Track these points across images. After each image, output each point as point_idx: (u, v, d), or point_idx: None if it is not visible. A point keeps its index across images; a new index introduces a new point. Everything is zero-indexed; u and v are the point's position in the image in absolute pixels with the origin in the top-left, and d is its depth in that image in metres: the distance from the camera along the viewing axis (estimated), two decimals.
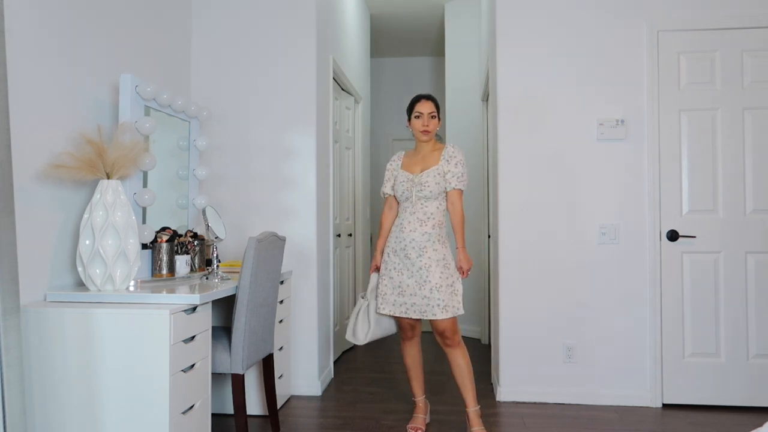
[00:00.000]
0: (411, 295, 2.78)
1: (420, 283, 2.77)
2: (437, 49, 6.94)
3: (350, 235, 4.90)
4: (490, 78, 3.91)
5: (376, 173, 6.91)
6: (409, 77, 7.27)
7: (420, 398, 3.01)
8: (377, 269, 2.95)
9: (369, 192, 5.67)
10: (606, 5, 3.41)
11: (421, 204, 2.82)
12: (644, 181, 3.36)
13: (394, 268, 2.84)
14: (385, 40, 6.63)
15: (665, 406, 3.32)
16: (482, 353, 4.62)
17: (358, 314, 2.96)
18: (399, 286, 2.82)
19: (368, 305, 2.94)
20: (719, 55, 3.31)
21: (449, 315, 2.73)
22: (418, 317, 2.80)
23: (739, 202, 3.29)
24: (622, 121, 3.36)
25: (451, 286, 2.77)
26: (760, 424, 2.74)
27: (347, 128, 4.87)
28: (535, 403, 3.38)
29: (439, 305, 2.72)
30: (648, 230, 3.34)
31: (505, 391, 3.41)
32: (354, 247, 5.05)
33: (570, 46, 3.42)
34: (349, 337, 2.96)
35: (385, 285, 2.86)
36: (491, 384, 3.76)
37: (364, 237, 5.30)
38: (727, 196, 3.29)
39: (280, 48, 3.56)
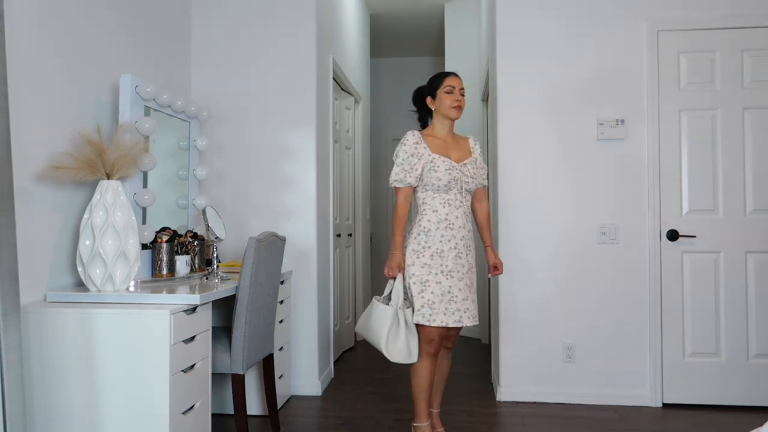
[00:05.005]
0: (464, 300, 2.54)
1: (469, 286, 2.57)
2: (437, 49, 6.93)
3: (350, 235, 4.90)
4: (490, 78, 3.91)
5: (376, 173, 6.91)
6: (409, 77, 7.26)
7: (427, 423, 2.63)
8: (399, 270, 2.56)
9: (369, 192, 5.68)
10: (606, 5, 3.40)
11: (464, 197, 2.59)
12: (644, 181, 3.36)
13: (441, 272, 2.51)
14: (385, 40, 6.63)
15: (665, 406, 3.32)
16: (482, 353, 4.62)
17: (400, 326, 2.51)
18: (449, 292, 2.51)
19: (404, 313, 2.52)
20: (719, 55, 3.31)
21: None
22: (471, 324, 2.55)
23: (739, 202, 3.29)
24: (622, 121, 3.36)
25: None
26: (760, 424, 2.74)
27: (347, 128, 4.87)
28: (535, 403, 3.38)
29: (476, 309, 2.63)
30: (648, 230, 3.34)
31: (505, 391, 3.41)
32: (354, 247, 5.05)
33: (570, 46, 3.42)
34: (398, 357, 2.49)
35: (432, 293, 2.50)
36: (491, 384, 3.75)
37: (364, 237, 5.30)
38: (727, 196, 3.29)
39: (280, 48, 3.56)
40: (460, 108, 2.62)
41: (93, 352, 2.04)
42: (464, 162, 2.62)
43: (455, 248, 2.55)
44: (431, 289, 2.51)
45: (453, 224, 2.56)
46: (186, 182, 3.25)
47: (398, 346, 2.50)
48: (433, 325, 2.49)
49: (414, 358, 2.54)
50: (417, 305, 2.52)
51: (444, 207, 2.57)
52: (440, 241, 2.54)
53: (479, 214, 2.78)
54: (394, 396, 3.54)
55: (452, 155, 2.62)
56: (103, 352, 2.03)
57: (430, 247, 2.54)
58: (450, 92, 2.61)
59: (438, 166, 2.55)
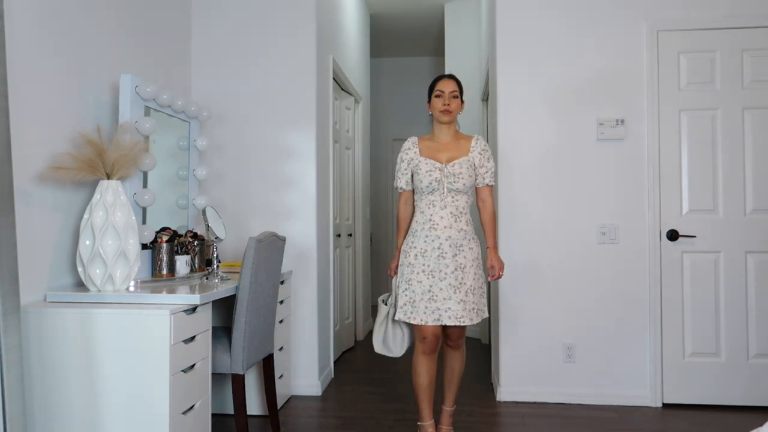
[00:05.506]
0: (445, 299, 2.53)
1: (455, 286, 2.54)
2: (437, 49, 6.93)
3: (350, 235, 4.90)
4: (490, 78, 3.91)
5: (376, 173, 6.91)
6: (409, 77, 7.27)
7: (429, 423, 2.66)
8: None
9: (369, 192, 5.68)
10: (606, 5, 3.40)
11: (452, 197, 2.59)
12: (644, 181, 3.36)
13: (423, 271, 2.56)
14: (385, 40, 6.62)
15: (665, 406, 3.32)
16: (482, 353, 4.62)
17: (387, 323, 2.69)
18: (429, 291, 2.55)
19: (393, 311, 2.69)
20: (719, 55, 3.31)
21: (479, 319, 2.60)
22: (452, 323, 2.52)
23: (739, 202, 3.29)
24: (622, 121, 3.36)
25: (481, 287, 2.64)
26: (760, 424, 2.74)
27: (347, 128, 4.87)
28: (535, 403, 3.38)
29: (473, 309, 2.56)
30: (648, 230, 3.34)
31: (505, 391, 3.41)
32: (354, 247, 5.05)
33: (570, 46, 3.42)
34: (380, 349, 2.70)
35: (413, 291, 2.56)
36: (491, 384, 3.76)
37: (364, 237, 5.30)
38: (727, 196, 3.29)
39: (280, 48, 3.56)
40: (447, 112, 2.63)
41: (93, 352, 2.04)
42: (453, 162, 2.62)
43: (438, 248, 2.58)
44: (413, 287, 2.58)
45: (437, 225, 2.59)
46: (186, 182, 3.25)
47: (384, 339, 2.71)
48: (413, 322, 2.57)
49: (394, 354, 2.71)
50: (400, 303, 2.61)
51: (429, 208, 2.62)
52: (424, 242, 2.60)
53: (481, 214, 2.75)
54: (394, 396, 3.54)
55: (442, 157, 2.64)
56: (103, 352, 2.03)
57: (415, 247, 2.62)
58: (439, 96, 2.65)
59: (420, 169, 2.63)
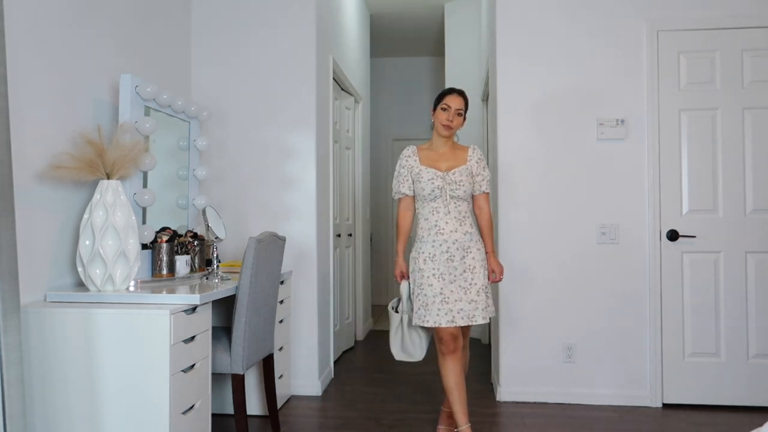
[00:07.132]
0: (456, 300, 2.58)
1: (465, 287, 2.60)
2: (437, 49, 6.93)
3: (350, 235, 4.90)
4: (490, 78, 3.91)
5: (376, 173, 6.91)
6: (409, 77, 7.27)
7: (465, 427, 2.60)
8: (403, 276, 2.75)
9: (369, 192, 5.68)
10: (606, 5, 3.41)
11: (455, 204, 2.66)
12: (644, 181, 3.36)
13: (433, 275, 2.61)
14: (385, 40, 6.62)
15: (665, 406, 3.32)
16: (482, 353, 4.62)
17: (402, 329, 2.72)
18: (441, 293, 2.59)
19: (406, 316, 2.72)
20: (719, 55, 3.31)
21: (488, 317, 2.64)
22: (465, 324, 2.58)
23: (739, 202, 3.29)
24: (622, 121, 3.36)
25: (488, 287, 2.69)
26: (760, 424, 2.74)
27: (347, 128, 4.87)
28: (535, 403, 3.38)
29: (485, 308, 2.62)
30: (648, 230, 3.34)
31: (505, 391, 3.41)
32: (354, 247, 5.05)
33: (570, 46, 3.42)
34: (400, 357, 2.73)
35: (425, 295, 2.61)
36: (491, 384, 3.76)
37: (364, 237, 5.30)
38: (727, 196, 3.29)
39: (279, 48, 3.56)
40: (448, 128, 2.68)
41: (93, 352, 2.04)
42: (453, 170, 2.67)
43: (447, 252, 2.63)
44: (425, 291, 2.62)
45: (443, 230, 2.64)
46: (186, 182, 3.25)
47: (402, 346, 2.74)
48: (426, 325, 2.60)
49: (415, 358, 2.72)
50: (415, 307, 2.66)
51: (433, 215, 2.67)
52: (432, 246, 2.65)
53: (479, 220, 2.79)
54: (394, 396, 3.54)
55: (441, 166, 2.69)
56: (104, 352, 2.03)
57: (423, 252, 2.66)
58: (445, 110, 2.69)
59: (422, 177, 2.67)
